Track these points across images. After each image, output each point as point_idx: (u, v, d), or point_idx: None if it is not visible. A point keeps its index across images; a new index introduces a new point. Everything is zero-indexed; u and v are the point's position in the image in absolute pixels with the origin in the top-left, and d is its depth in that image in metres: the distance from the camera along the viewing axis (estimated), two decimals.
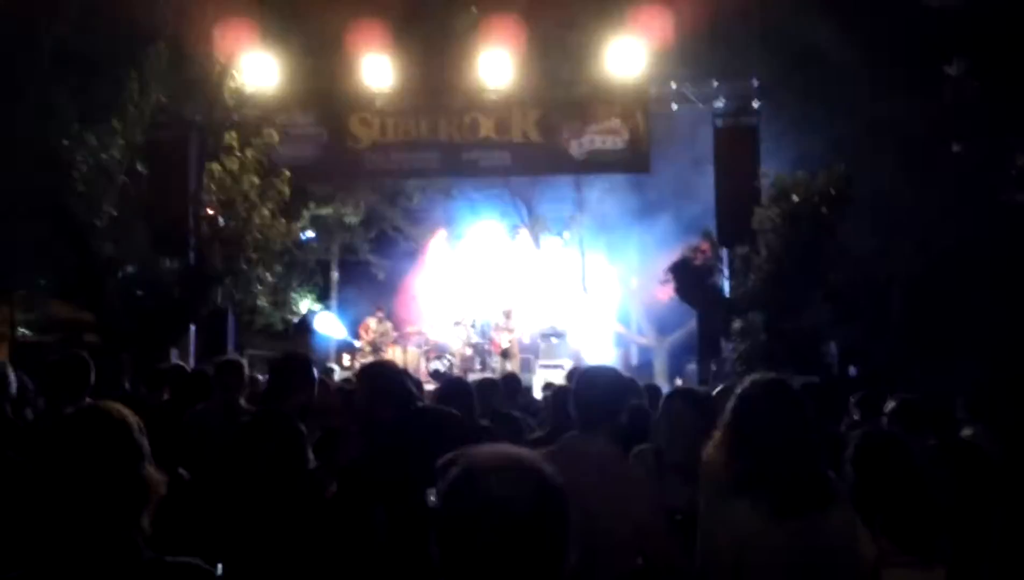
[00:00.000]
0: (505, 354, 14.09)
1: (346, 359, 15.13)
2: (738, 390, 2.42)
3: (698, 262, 11.87)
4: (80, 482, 1.71)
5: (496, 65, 12.18)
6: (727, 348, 11.20)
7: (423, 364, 14.10)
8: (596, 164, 13.14)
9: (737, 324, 11.08)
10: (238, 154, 12.11)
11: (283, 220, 12.83)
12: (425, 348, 14.50)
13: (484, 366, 14.04)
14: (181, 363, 10.12)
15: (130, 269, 11.46)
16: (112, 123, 10.97)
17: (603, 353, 16.04)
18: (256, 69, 12.29)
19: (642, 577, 2.55)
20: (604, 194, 16.99)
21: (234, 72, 12.08)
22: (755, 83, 12.15)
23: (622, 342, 18.10)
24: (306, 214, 15.21)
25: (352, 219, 17.18)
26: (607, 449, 2.62)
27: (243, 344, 13.63)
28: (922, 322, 10.93)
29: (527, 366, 13.93)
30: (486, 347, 14.44)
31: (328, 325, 16.23)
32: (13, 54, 10.12)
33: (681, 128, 13.40)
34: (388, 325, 14.86)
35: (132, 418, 1.82)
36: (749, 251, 11.43)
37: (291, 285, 15.18)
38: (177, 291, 11.51)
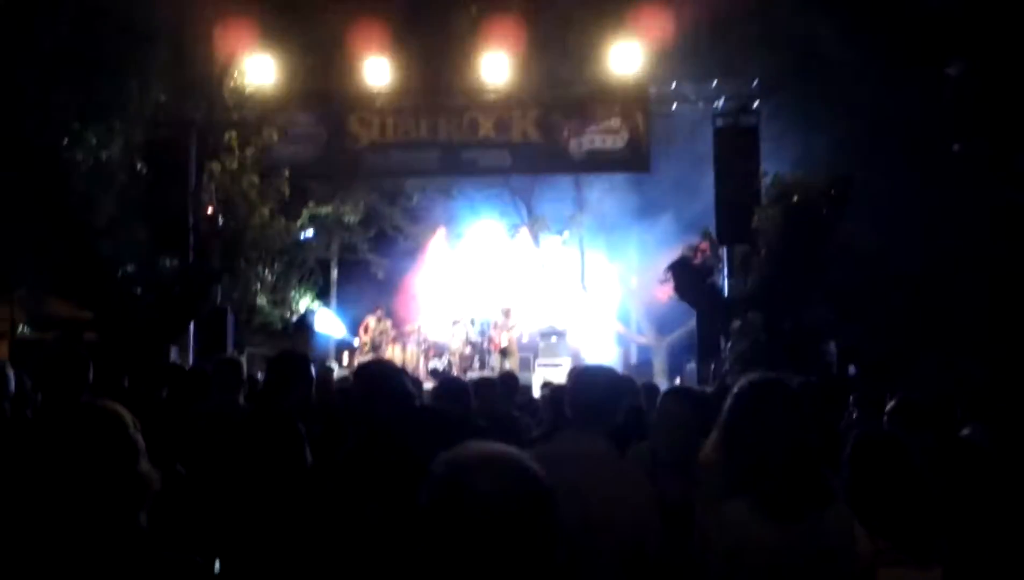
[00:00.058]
0: (504, 353, 14.10)
1: (345, 358, 15.15)
2: (735, 389, 2.42)
3: (697, 261, 11.88)
4: (76, 479, 1.72)
5: (496, 65, 12.18)
6: (726, 348, 11.21)
7: (422, 363, 14.11)
8: (596, 164, 13.15)
9: (736, 323, 11.08)
10: (238, 153, 12.11)
11: (282, 219, 12.83)
12: (424, 347, 14.51)
13: (483, 365, 14.06)
14: (179, 361, 10.14)
15: (130, 268, 11.46)
16: (112, 122, 10.96)
17: (602, 352, 16.04)
18: (256, 68, 12.30)
19: (639, 576, 2.55)
20: (604, 193, 17.00)
21: (234, 71, 12.09)
22: (755, 83, 12.15)
23: (622, 341, 18.11)
24: (305, 213, 15.22)
25: (351, 218, 17.19)
26: (603, 448, 2.62)
27: (242, 342, 13.64)
28: (922, 321, 10.93)
29: (526, 365, 13.94)
30: (485, 346, 14.45)
31: (328, 324, 16.24)
32: (13, 53, 10.11)
33: (682, 128, 13.41)
34: (387, 324, 14.87)
35: (127, 415, 1.83)
36: (749, 251, 11.44)
37: (290, 284, 15.19)
38: (176, 289, 11.51)
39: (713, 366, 11.26)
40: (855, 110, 11.53)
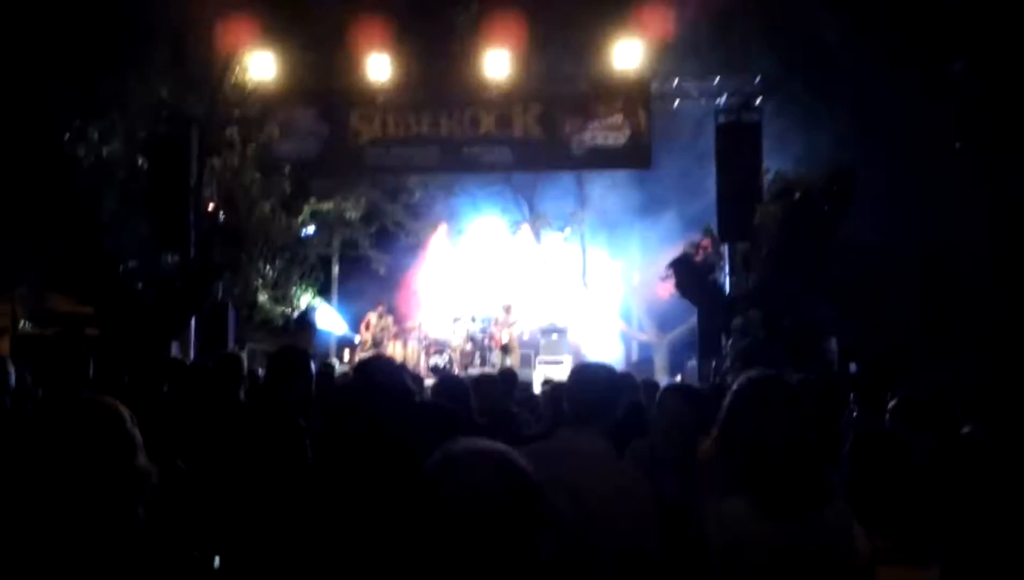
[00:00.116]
0: (505, 349, 14.10)
1: (346, 354, 15.16)
2: (734, 387, 2.42)
3: (699, 259, 11.87)
4: (72, 473, 1.72)
5: (497, 61, 12.17)
6: (727, 345, 11.20)
7: (423, 359, 14.11)
8: (597, 160, 13.13)
9: (737, 321, 11.08)
10: (239, 149, 12.12)
11: (284, 215, 12.84)
12: (425, 343, 14.51)
13: (484, 361, 14.06)
14: (180, 357, 10.14)
15: (131, 263, 11.47)
16: (113, 118, 10.97)
17: (603, 349, 16.03)
18: (257, 64, 12.29)
19: (637, 575, 2.55)
20: (606, 190, 16.98)
21: (235, 67, 12.09)
22: (758, 80, 12.13)
23: (623, 338, 18.10)
24: (306, 209, 15.22)
25: (353, 214, 17.19)
26: (601, 446, 2.62)
27: (244, 338, 13.67)
28: (923, 319, 10.93)
29: (527, 362, 13.94)
30: (486, 343, 14.45)
31: (329, 320, 16.25)
32: (15, 49, 10.11)
33: (685, 124, 13.39)
34: (389, 320, 14.87)
35: (124, 410, 1.83)
36: (750, 248, 11.43)
37: (292, 280, 15.21)
38: (178, 285, 11.52)
39: (714, 363, 11.26)
40: (857, 107, 11.52)
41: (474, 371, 12.78)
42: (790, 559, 2.21)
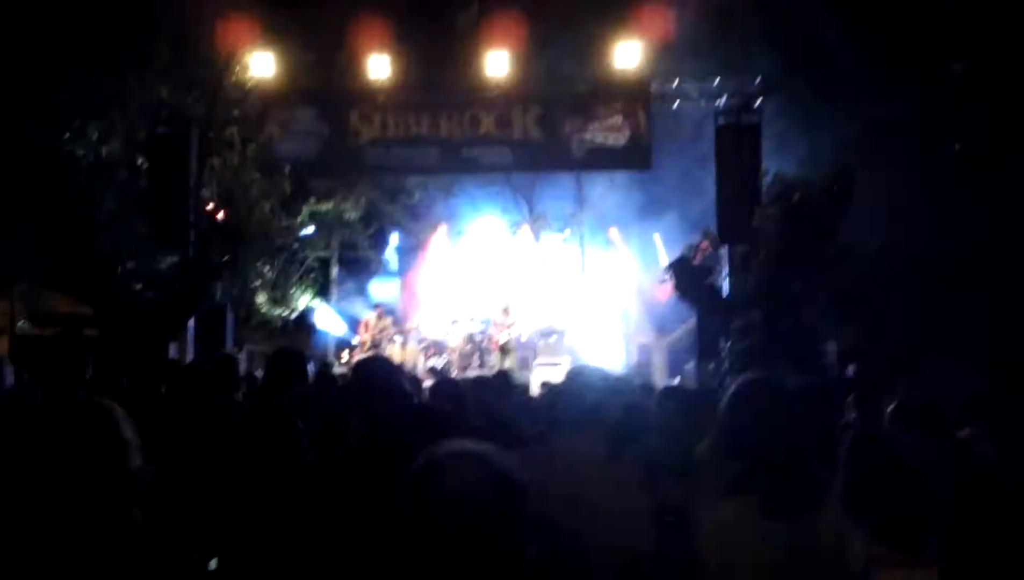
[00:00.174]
0: (503, 350, 14.10)
1: (345, 355, 15.15)
2: (731, 389, 2.42)
3: (697, 260, 11.88)
4: (68, 475, 1.72)
5: (497, 61, 12.18)
6: (726, 347, 11.20)
7: (421, 361, 14.11)
8: (597, 161, 13.14)
9: (736, 323, 11.07)
10: (239, 149, 12.11)
11: (283, 216, 12.83)
12: (424, 345, 14.51)
13: (482, 363, 14.06)
14: (178, 358, 10.14)
15: (130, 264, 11.46)
16: (113, 117, 10.96)
17: (602, 351, 16.02)
18: (257, 64, 12.29)
19: (634, 577, 2.55)
20: (606, 191, 16.97)
21: (235, 67, 12.08)
22: (757, 81, 12.14)
23: (621, 340, 18.08)
24: (306, 210, 15.21)
25: (352, 215, 17.17)
26: (597, 451, 2.62)
27: (242, 340, 13.66)
28: (923, 322, 10.92)
29: (525, 364, 13.94)
30: (484, 344, 14.45)
31: (328, 321, 16.24)
32: (14, 48, 10.11)
33: (685, 125, 13.39)
34: (388, 321, 14.88)
35: (120, 411, 1.83)
36: (749, 250, 11.43)
37: (290, 281, 15.20)
38: (176, 286, 11.51)
39: (713, 366, 11.26)
40: (856, 110, 11.52)
41: (472, 373, 12.78)
42: (786, 562, 2.21)
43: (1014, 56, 10.46)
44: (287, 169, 12.78)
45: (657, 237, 16.80)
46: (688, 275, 11.83)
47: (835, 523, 2.27)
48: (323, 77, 12.73)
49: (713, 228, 12.08)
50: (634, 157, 12.90)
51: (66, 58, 10.39)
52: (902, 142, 11.32)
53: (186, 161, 12.10)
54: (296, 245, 15.01)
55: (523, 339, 14.64)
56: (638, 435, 3.22)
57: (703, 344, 11.84)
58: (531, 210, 18.36)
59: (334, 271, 18.41)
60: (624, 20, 12.05)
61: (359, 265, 18.72)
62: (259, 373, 8.03)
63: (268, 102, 12.57)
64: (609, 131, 12.72)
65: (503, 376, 5.90)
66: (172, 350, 11.20)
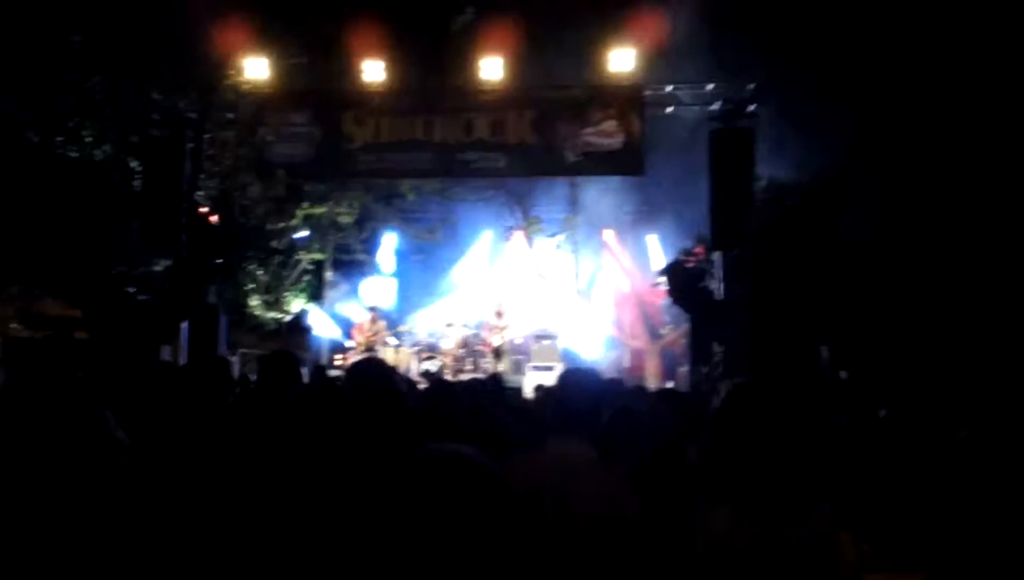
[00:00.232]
0: (497, 353, 14.10)
1: (339, 358, 15.13)
2: (722, 394, 2.42)
3: (691, 265, 11.90)
4: (56, 476, 1.72)
5: (491, 66, 12.20)
6: (719, 352, 11.22)
7: (415, 364, 14.09)
8: (591, 166, 13.16)
9: (729, 328, 11.10)
10: (233, 153, 12.10)
11: (276, 219, 12.82)
12: (417, 348, 14.50)
13: (476, 366, 14.05)
14: (170, 361, 10.09)
15: (122, 266, 11.44)
16: (106, 120, 10.95)
17: (595, 355, 16.04)
18: (251, 68, 12.29)
19: (622, 578, 2.55)
20: (600, 195, 17.00)
21: (229, 71, 12.08)
22: (751, 87, 12.18)
23: (615, 345, 18.10)
24: (299, 213, 15.19)
25: (346, 219, 17.16)
26: (587, 454, 2.62)
27: (235, 343, 13.63)
28: (916, 327, 10.95)
29: (518, 368, 13.94)
30: (478, 347, 14.45)
31: (322, 325, 16.22)
32: (9, 49, 10.09)
33: (681, 129, 13.42)
34: (382, 324, 14.85)
35: (108, 413, 1.84)
36: (742, 254, 11.45)
37: (284, 285, 15.17)
38: (169, 289, 11.49)
39: (706, 370, 11.28)
40: (850, 114, 11.56)
41: (466, 376, 12.78)
42: (775, 567, 2.22)
43: (1011, 58, 10.51)
44: (281, 172, 12.77)
45: (651, 240, 16.83)
46: (682, 279, 11.86)
47: (824, 528, 2.28)
48: (317, 81, 12.74)
49: (707, 232, 12.10)
50: (628, 162, 12.92)
51: (60, 60, 10.37)
52: (896, 146, 11.36)
53: (179, 164, 12.08)
54: (290, 248, 14.98)
55: (517, 342, 14.64)
56: (630, 438, 3.23)
57: (697, 348, 11.86)
58: (524, 214, 18.37)
59: (328, 274, 18.38)
60: (618, 26, 12.10)
61: (353, 268, 18.70)
62: (253, 376, 8.01)
63: (262, 105, 12.56)
64: (603, 136, 12.74)
65: (496, 379, 5.90)
66: (165, 353, 11.17)
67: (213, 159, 12.32)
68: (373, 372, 3.54)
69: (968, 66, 11.07)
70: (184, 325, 11.98)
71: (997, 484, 2.67)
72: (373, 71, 12.34)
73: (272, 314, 15.13)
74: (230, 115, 12.49)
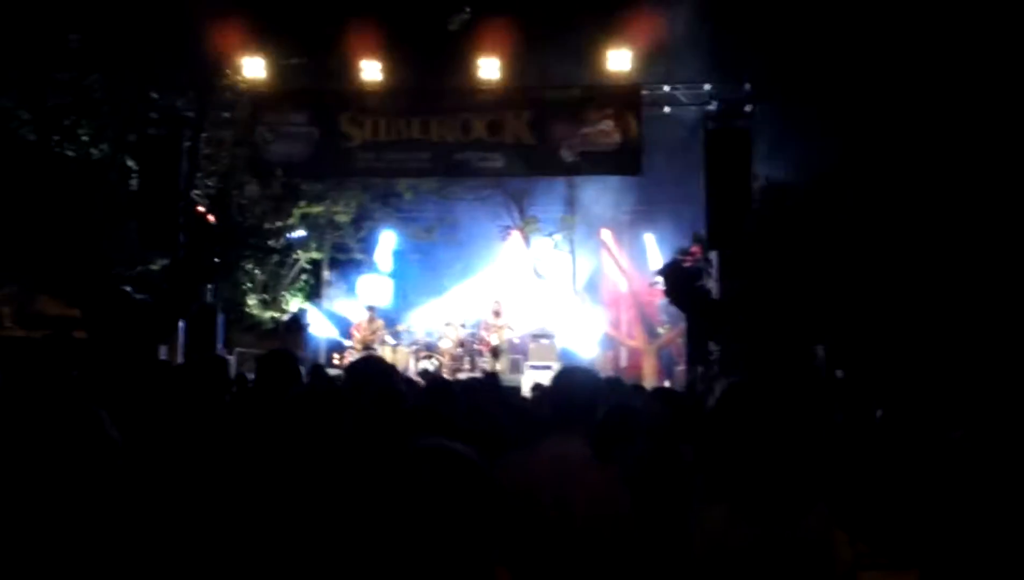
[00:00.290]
0: (495, 352, 14.10)
1: (336, 358, 15.13)
2: (717, 393, 2.43)
3: (688, 264, 11.91)
4: (51, 475, 1.73)
5: (489, 66, 12.21)
6: (716, 351, 11.24)
7: (412, 363, 14.09)
8: (588, 165, 13.16)
9: (726, 327, 11.12)
10: (230, 152, 12.10)
11: (274, 218, 12.82)
12: (415, 347, 14.51)
13: (474, 366, 14.06)
14: (167, 360, 10.09)
15: (119, 266, 11.43)
16: (104, 119, 10.94)
17: (593, 355, 16.06)
18: (249, 67, 12.28)
19: (620, 577, 2.56)
20: (598, 195, 17.02)
21: (227, 70, 12.08)
22: (748, 87, 12.19)
23: (612, 344, 18.13)
24: (296, 213, 15.20)
25: (343, 218, 17.16)
26: (583, 450, 2.63)
27: (233, 342, 13.63)
28: (911, 326, 10.98)
29: (516, 367, 13.94)
30: (475, 347, 14.46)
31: (319, 324, 16.22)
32: (7, 48, 10.08)
33: (679, 128, 13.43)
34: (379, 323, 14.85)
35: (103, 413, 1.84)
36: (739, 254, 11.47)
37: (281, 284, 15.17)
38: (166, 288, 11.48)
39: (702, 369, 11.30)
40: (847, 113, 11.58)
41: (463, 375, 12.78)
42: (770, 565, 2.23)
43: (1009, 58, 10.52)
44: (278, 172, 12.77)
45: (649, 240, 16.85)
46: (679, 279, 11.87)
47: (819, 526, 2.29)
48: (315, 80, 12.74)
49: (704, 232, 12.12)
50: (625, 161, 12.93)
51: (57, 59, 10.36)
52: (893, 146, 11.38)
53: (177, 163, 12.07)
54: (287, 247, 14.98)
55: (515, 341, 14.65)
56: (626, 436, 3.24)
57: (693, 348, 11.87)
58: (522, 214, 18.38)
59: (325, 273, 18.39)
60: (615, 26, 12.11)
61: (350, 267, 18.70)
62: (250, 375, 8.01)
63: (260, 105, 12.55)
64: (600, 136, 12.75)
65: (492, 377, 5.92)
66: (162, 352, 11.16)
67: (210, 158, 12.31)
68: (373, 371, 3.55)
69: (967, 65, 11.09)
70: (181, 324, 11.98)
71: (991, 483, 2.69)
72: (371, 71, 12.35)
73: (269, 313, 15.14)
74: (227, 114, 12.49)
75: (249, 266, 13.85)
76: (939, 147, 11.33)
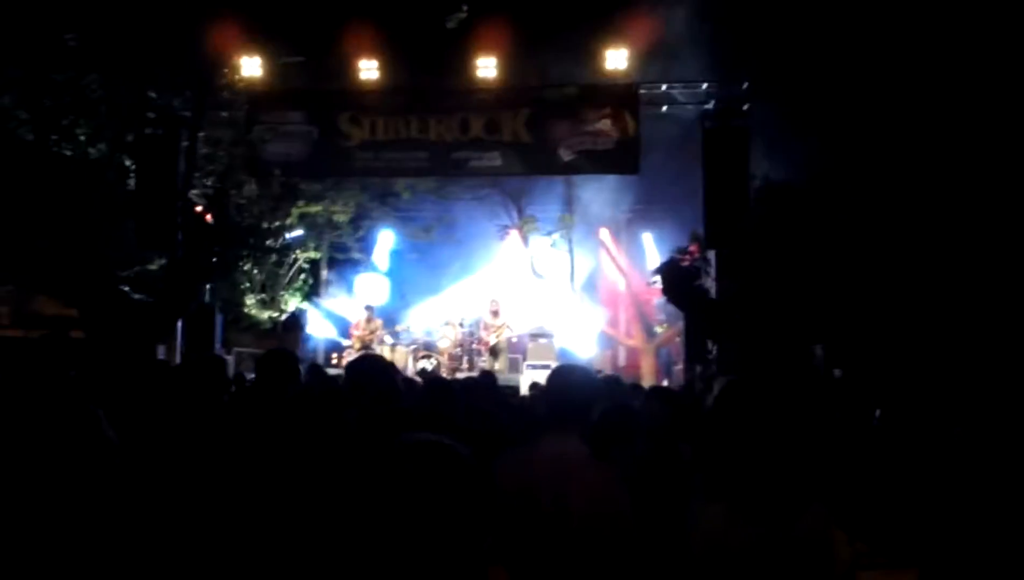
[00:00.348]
0: (493, 352, 14.10)
1: (334, 358, 15.12)
2: (715, 392, 2.43)
3: (686, 263, 11.91)
4: (47, 475, 1.73)
5: (486, 66, 12.21)
6: (714, 350, 11.24)
7: (411, 363, 14.09)
8: (586, 164, 13.18)
9: (724, 326, 11.12)
10: (228, 151, 12.09)
11: (272, 218, 12.81)
12: (413, 347, 14.50)
13: (472, 365, 14.06)
14: (166, 360, 10.09)
15: (117, 266, 11.41)
16: (101, 119, 10.92)
17: (591, 354, 16.07)
18: (247, 66, 12.27)
19: (618, 575, 2.56)
20: (596, 194, 17.02)
21: (225, 69, 12.07)
22: (745, 85, 12.20)
23: (610, 343, 18.14)
24: (295, 212, 15.19)
25: (341, 217, 17.16)
26: (580, 449, 2.63)
27: (231, 342, 13.62)
28: (910, 325, 10.99)
29: (515, 366, 13.95)
30: (474, 346, 14.46)
31: (317, 323, 16.22)
32: (4, 48, 10.06)
33: (678, 127, 13.44)
34: (378, 323, 14.84)
35: (100, 412, 1.84)
36: (737, 253, 11.47)
37: (280, 283, 15.16)
38: (164, 288, 11.46)
39: (700, 369, 11.30)
40: (845, 112, 11.58)
41: (462, 375, 12.79)
42: (769, 564, 2.23)
43: (1006, 57, 10.53)
44: (276, 171, 12.76)
45: (647, 239, 16.86)
46: (676, 278, 11.87)
47: (818, 526, 2.29)
48: (313, 80, 12.73)
49: (702, 231, 12.12)
50: (622, 160, 12.94)
51: (55, 59, 10.34)
52: (891, 145, 11.38)
53: (174, 163, 12.06)
54: (285, 247, 14.97)
55: (513, 341, 14.66)
56: (624, 435, 3.24)
57: (691, 347, 11.88)
58: (520, 213, 18.38)
59: (324, 273, 18.39)
60: (613, 24, 12.11)
61: (349, 267, 18.70)
62: (249, 375, 8.01)
63: (258, 104, 12.55)
64: (598, 135, 12.76)
65: (489, 376, 5.92)
66: (160, 352, 11.15)
67: (208, 158, 12.30)
68: (374, 370, 3.54)
69: (966, 65, 11.10)
70: (179, 324, 11.97)
71: (990, 482, 2.69)
72: (369, 70, 12.35)
73: (268, 313, 15.13)
74: (225, 114, 12.48)
75: (247, 266, 13.83)
76: (938, 146, 11.33)
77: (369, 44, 12.21)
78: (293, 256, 15.96)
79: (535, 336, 14.48)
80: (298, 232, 15.69)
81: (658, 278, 12.10)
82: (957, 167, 11.11)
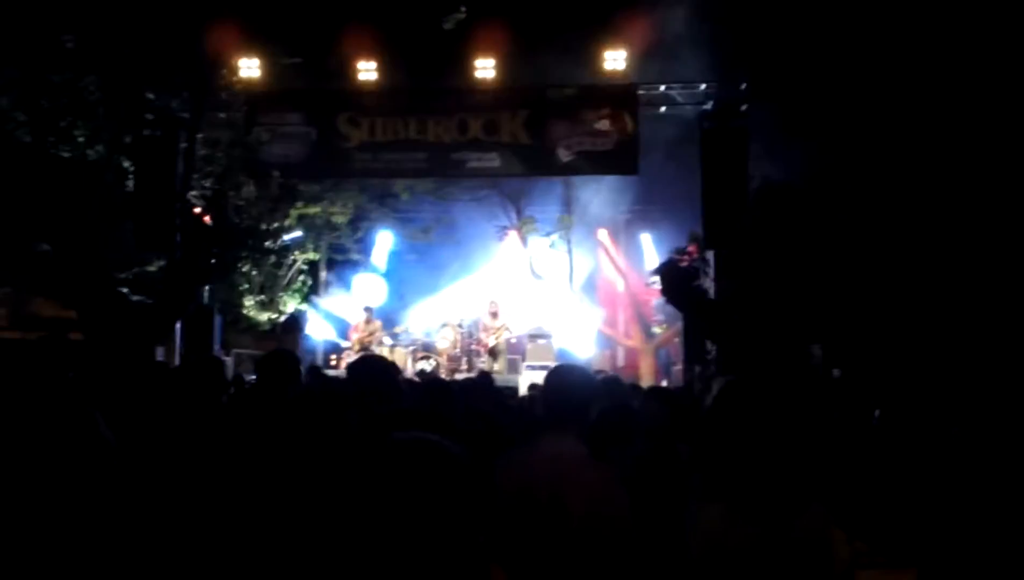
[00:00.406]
0: (492, 353, 14.10)
1: (333, 359, 15.12)
2: (714, 393, 2.43)
3: (684, 264, 11.92)
4: (45, 477, 1.73)
5: (485, 67, 12.22)
6: (713, 350, 11.24)
7: (410, 364, 14.09)
8: (585, 165, 13.19)
9: (722, 327, 11.12)
10: (226, 153, 12.08)
11: (271, 219, 12.81)
12: (412, 348, 14.50)
13: (471, 366, 14.06)
14: (164, 362, 10.09)
15: (115, 267, 11.40)
16: (99, 120, 10.91)
17: (590, 355, 16.06)
18: (245, 68, 12.27)
19: (617, 575, 2.56)
20: (595, 195, 17.03)
21: (223, 70, 12.06)
22: (744, 86, 12.21)
23: (609, 344, 18.14)
24: (293, 213, 15.19)
25: (340, 219, 17.16)
26: (579, 449, 2.63)
27: (230, 343, 13.61)
28: (908, 326, 11.00)
29: (514, 367, 13.95)
30: (473, 347, 14.46)
31: (316, 325, 16.21)
32: (2, 49, 10.06)
33: (677, 128, 13.45)
34: (377, 324, 14.84)
35: (97, 414, 1.85)
36: (736, 254, 11.48)
37: (278, 285, 15.15)
38: (162, 289, 11.46)
39: (699, 369, 11.30)
40: (844, 113, 11.60)
41: (460, 376, 12.78)
42: (768, 564, 2.23)
43: (1006, 58, 10.54)
44: (275, 172, 12.76)
45: (646, 239, 16.86)
46: (675, 279, 11.88)
47: (816, 525, 2.29)
48: (311, 81, 12.74)
49: (700, 232, 12.13)
50: (621, 161, 12.95)
51: (53, 60, 10.34)
52: (890, 146, 11.39)
53: (173, 164, 12.05)
54: (284, 248, 14.97)
55: (512, 342, 14.66)
56: (622, 435, 3.24)
57: (690, 347, 11.88)
58: (519, 214, 18.38)
59: (322, 274, 18.39)
60: (611, 25, 12.12)
61: (347, 268, 18.70)
62: (248, 377, 8.01)
63: (256, 105, 12.55)
64: (597, 135, 12.77)
65: (485, 377, 5.92)
66: (159, 354, 11.15)
67: (207, 159, 12.29)
68: (376, 371, 3.54)
69: (965, 65, 11.11)
70: (178, 326, 11.96)
71: (988, 482, 2.69)
72: (367, 71, 12.35)
73: (266, 314, 15.13)
74: (223, 115, 12.47)
75: (246, 267, 13.83)
76: (937, 146, 11.34)
77: (368, 45, 12.22)
78: (292, 257, 15.96)
79: (534, 337, 14.48)
80: (297, 233, 15.69)
81: (657, 278, 12.11)
82: (956, 167, 11.12)
